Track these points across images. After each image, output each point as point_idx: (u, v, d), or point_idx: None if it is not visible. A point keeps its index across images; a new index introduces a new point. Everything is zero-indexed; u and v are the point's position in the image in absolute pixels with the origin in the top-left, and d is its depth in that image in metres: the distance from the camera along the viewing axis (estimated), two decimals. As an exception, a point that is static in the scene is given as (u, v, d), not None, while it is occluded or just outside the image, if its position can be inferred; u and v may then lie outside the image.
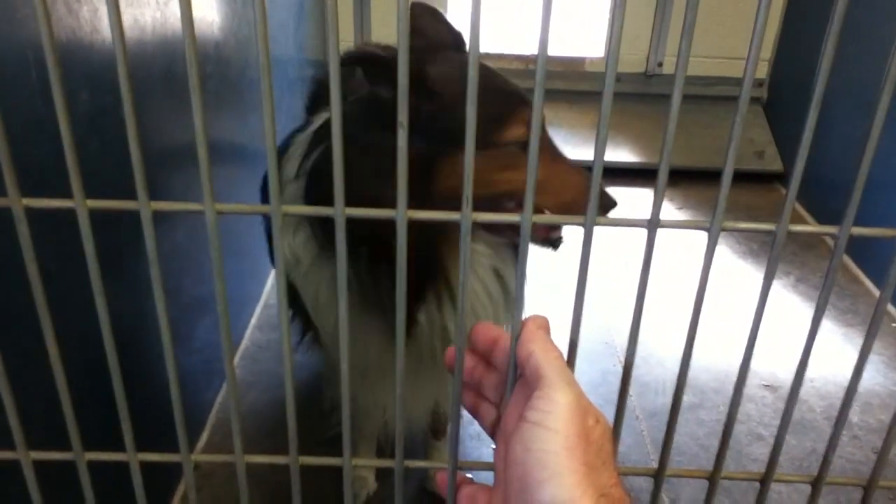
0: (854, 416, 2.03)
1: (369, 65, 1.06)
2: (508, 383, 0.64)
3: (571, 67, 3.77)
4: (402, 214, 0.60)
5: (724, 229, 0.63)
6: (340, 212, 0.59)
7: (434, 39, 1.19)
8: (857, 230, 0.62)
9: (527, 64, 3.65)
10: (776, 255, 0.63)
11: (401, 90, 0.54)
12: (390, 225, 0.60)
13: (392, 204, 0.59)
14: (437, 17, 1.25)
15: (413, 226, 0.59)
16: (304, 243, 1.22)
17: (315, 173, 1.18)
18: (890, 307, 2.55)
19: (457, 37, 1.22)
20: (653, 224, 0.61)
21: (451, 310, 1.19)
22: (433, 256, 1.13)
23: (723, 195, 0.62)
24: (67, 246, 0.94)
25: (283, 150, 1.34)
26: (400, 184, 0.58)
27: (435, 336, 1.21)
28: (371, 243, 1.07)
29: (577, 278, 0.63)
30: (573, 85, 3.67)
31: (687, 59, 0.59)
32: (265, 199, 1.33)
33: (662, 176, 0.60)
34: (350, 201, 0.59)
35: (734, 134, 0.59)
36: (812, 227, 0.63)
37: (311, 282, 1.24)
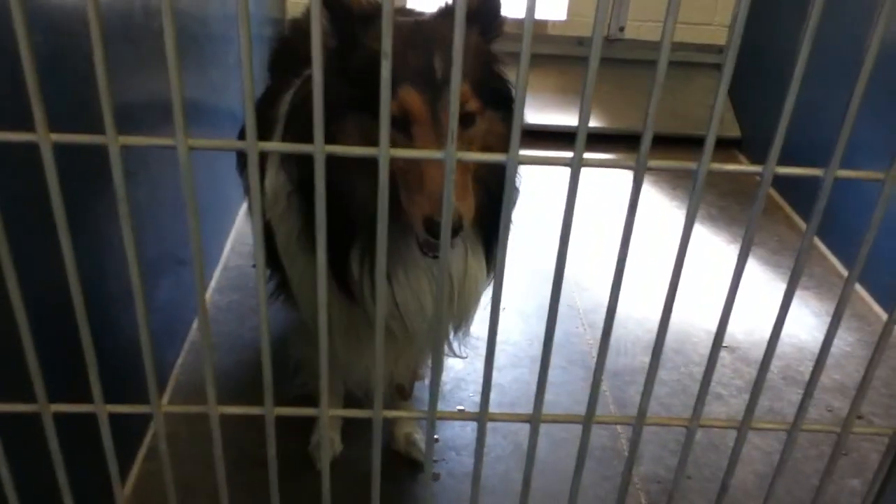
0: (808, 374, 2.08)
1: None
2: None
3: (533, 30, 3.74)
4: (384, 153, 0.58)
5: (649, 169, 0.61)
6: (320, 149, 0.57)
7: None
8: (783, 169, 0.61)
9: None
10: (699, 191, 0.62)
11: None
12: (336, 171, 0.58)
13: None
14: None
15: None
16: (283, 183, 1.22)
17: (290, 113, 1.19)
18: (840, 267, 2.60)
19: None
20: (640, 166, 0.60)
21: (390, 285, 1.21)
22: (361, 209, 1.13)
23: (709, 143, 0.61)
24: (29, 191, 0.90)
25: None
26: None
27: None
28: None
29: (563, 218, 0.61)
30: (535, 48, 3.61)
31: (673, 28, 0.57)
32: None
33: (650, 123, 0.59)
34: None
35: (720, 93, 0.58)
36: (738, 167, 0.63)
37: (284, 224, 1.24)
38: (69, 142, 0.56)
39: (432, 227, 1.01)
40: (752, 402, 0.71)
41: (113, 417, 0.69)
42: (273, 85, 1.60)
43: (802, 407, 0.71)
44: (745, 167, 0.64)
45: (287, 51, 1.71)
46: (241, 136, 1.58)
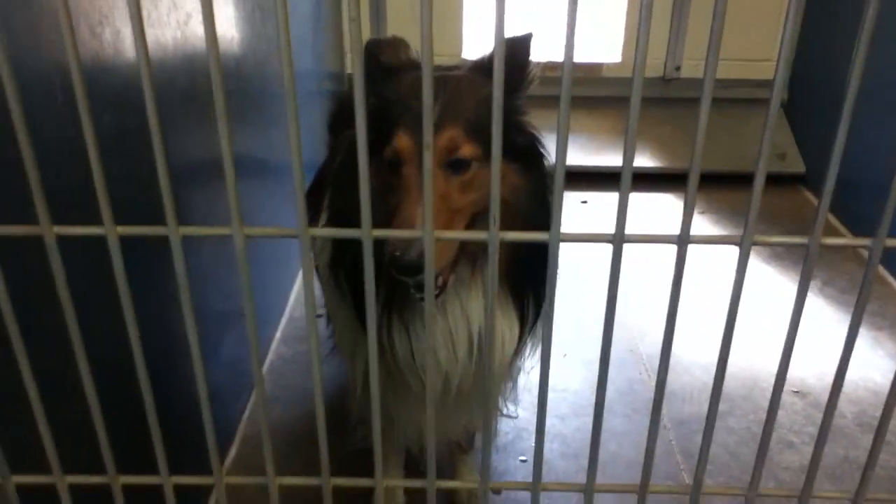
0: (886, 420, 2.00)
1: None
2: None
3: (589, 73, 3.76)
4: (429, 232, 0.59)
5: (755, 243, 0.62)
6: (367, 233, 0.59)
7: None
8: (892, 241, 0.61)
9: (545, 70, 3.63)
10: (809, 268, 0.62)
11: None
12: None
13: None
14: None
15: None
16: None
17: (332, 179, 1.23)
18: (920, 309, 2.51)
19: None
20: (682, 240, 0.61)
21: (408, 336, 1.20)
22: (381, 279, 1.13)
23: (753, 209, 0.61)
24: (97, 266, 0.95)
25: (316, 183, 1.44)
26: (428, 203, 0.58)
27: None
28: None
29: (606, 296, 0.62)
30: (591, 91, 3.66)
31: (714, 71, 0.58)
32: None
33: (691, 190, 0.59)
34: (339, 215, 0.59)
35: (764, 147, 0.59)
36: (845, 240, 0.62)
37: (328, 277, 1.29)
38: (133, 234, 0.60)
39: (394, 262, 0.97)
40: (811, 471, 0.70)
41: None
42: (333, 146, 1.65)
43: (865, 478, 0.69)
44: (790, 239, 0.63)
45: (346, 111, 1.77)
46: (312, 186, 1.63)
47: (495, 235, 0.59)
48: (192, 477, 0.71)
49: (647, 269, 2.52)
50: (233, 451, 1.83)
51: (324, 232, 0.62)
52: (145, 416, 0.69)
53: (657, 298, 2.43)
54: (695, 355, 2.22)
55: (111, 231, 0.59)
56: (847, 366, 0.68)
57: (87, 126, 0.55)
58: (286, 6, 0.53)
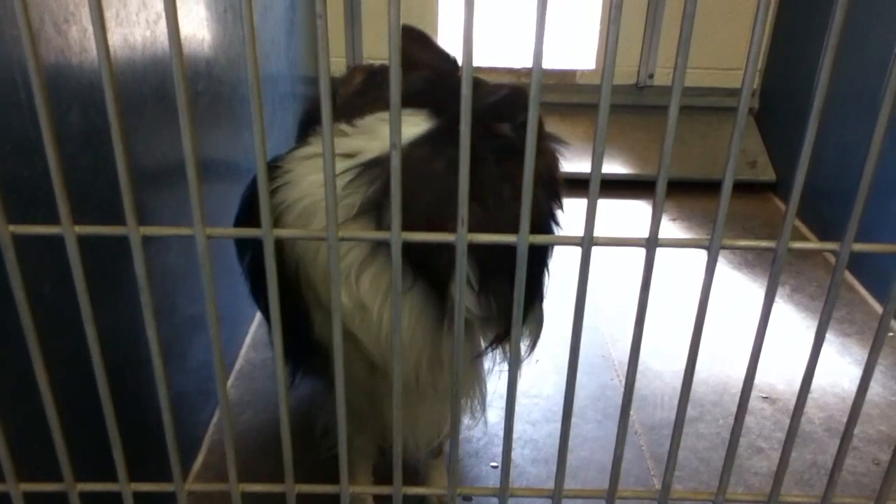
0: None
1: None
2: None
3: (562, 80, 3.77)
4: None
5: (723, 247, 0.62)
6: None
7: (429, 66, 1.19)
8: (859, 246, 0.61)
9: (518, 77, 3.65)
10: (777, 271, 0.62)
11: (393, 107, 0.53)
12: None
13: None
14: (427, 43, 1.25)
15: None
16: (372, 280, 1.05)
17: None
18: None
19: (450, 61, 1.21)
20: (651, 243, 0.60)
21: None
22: None
23: (721, 213, 0.61)
24: (58, 268, 0.93)
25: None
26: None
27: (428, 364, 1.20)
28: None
29: (575, 298, 0.62)
30: (565, 97, 3.67)
31: (683, 74, 0.58)
32: (246, 220, 1.14)
33: (660, 193, 0.59)
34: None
35: (732, 150, 0.58)
36: (813, 244, 0.63)
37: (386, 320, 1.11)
38: (91, 234, 0.58)
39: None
40: (778, 474, 0.70)
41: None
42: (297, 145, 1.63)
43: (832, 481, 0.69)
44: (758, 242, 0.63)
45: (315, 111, 1.74)
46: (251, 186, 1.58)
47: (463, 237, 0.58)
48: (151, 484, 0.69)
49: (620, 275, 2.53)
50: (200, 458, 1.80)
51: (289, 233, 0.61)
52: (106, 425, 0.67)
53: (629, 305, 2.43)
54: (666, 361, 2.22)
55: (69, 230, 0.58)
56: (814, 371, 0.68)
57: (43, 116, 0.54)
58: (251, 3, 0.52)
